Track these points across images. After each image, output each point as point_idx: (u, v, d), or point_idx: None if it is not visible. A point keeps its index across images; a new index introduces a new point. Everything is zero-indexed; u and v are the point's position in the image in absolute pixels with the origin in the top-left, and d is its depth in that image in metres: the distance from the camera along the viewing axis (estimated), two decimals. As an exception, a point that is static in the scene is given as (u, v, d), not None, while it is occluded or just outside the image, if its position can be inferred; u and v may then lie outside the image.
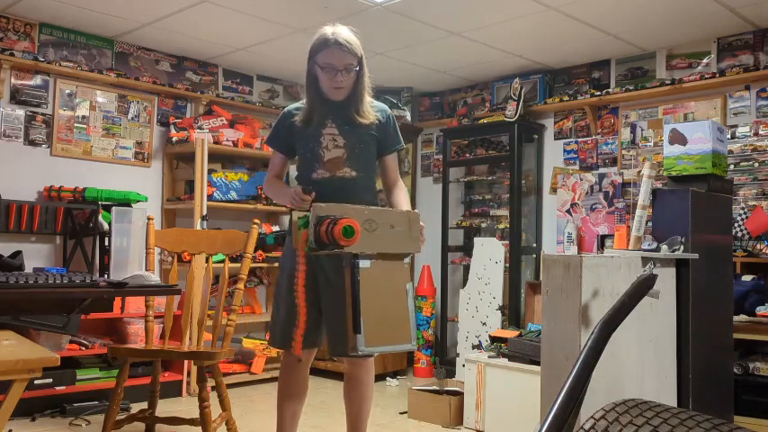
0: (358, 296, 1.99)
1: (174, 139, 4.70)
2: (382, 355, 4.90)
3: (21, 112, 4.22)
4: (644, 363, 2.47)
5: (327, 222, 1.95)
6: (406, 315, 2.12)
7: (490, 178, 5.37)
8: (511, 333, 3.91)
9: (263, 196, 4.87)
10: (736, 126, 4.22)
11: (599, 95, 4.77)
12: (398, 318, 2.10)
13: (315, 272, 2.42)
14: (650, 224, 2.79)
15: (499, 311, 4.53)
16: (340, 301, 2.30)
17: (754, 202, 4.05)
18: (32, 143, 4.26)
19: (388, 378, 4.98)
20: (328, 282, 2.42)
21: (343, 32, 2.44)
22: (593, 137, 4.89)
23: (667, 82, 4.45)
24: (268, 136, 2.68)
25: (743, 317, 3.64)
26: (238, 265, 3.18)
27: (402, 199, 2.57)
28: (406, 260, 2.17)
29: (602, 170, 4.76)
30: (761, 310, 3.67)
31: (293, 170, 2.74)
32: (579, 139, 4.98)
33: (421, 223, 2.23)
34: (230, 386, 4.11)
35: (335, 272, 2.37)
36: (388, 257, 2.09)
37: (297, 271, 2.24)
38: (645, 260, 2.48)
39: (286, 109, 2.63)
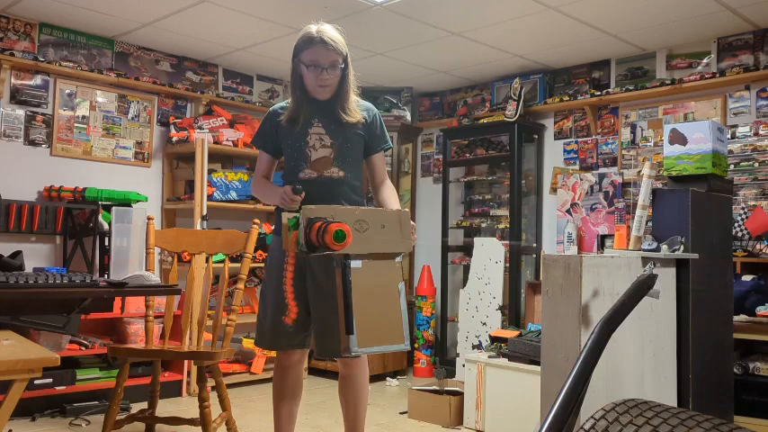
0: (350, 297, 1.98)
1: (174, 139, 4.70)
2: (382, 354, 4.90)
3: (21, 112, 4.22)
4: (644, 362, 2.47)
5: (318, 225, 1.93)
6: (398, 315, 2.11)
7: (490, 178, 5.37)
8: (511, 333, 3.91)
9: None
10: (736, 126, 4.22)
11: (599, 95, 4.77)
12: (391, 318, 2.10)
13: (303, 272, 2.41)
14: (650, 224, 2.79)
15: (499, 311, 4.53)
16: (328, 303, 2.30)
17: (754, 202, 4.05)
18: (32, 143, 4.26)
19: (388, 378, 4.98)
20: (316, 283, 2.41)
21: (328, 30, 2.42)
22: (593, 137, 4.89)
23: (667, 82, 4.45)
24: (254, 136, 2.67)
25: (743, 317, 3.64)
26: (238, 265, 3.18)
27: (391, 198, 2.56)
28: (398, 259, 2.17)
29: (602, 170, 4.76)
30: (761, 310, 3.67)
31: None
32: (579, 139, 4.98)
33: (411, 222, 2.23)
34: (230, 386, 4.11)
35: (324, 273, 2.37)
36: (379, 257, 2.09)
37: (286, 272, 2.23)
38: (645, 260, 2.48)
39: (271, 108, 2.63)
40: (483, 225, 5.31)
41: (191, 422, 2.88)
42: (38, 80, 4.29)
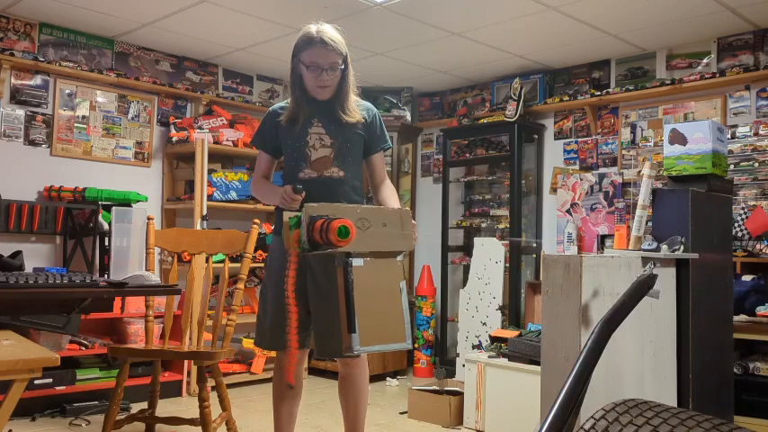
0: (352, 295, 1.98)
1: (174, 138, 4.70)
2: (382, 354, 4.90)
3: (21, 112, 4.22)
4: (644, 362, 2.47)
5: (321, 222, 1.93)
6: (400, 313, 2.11)
7: (490, 178, 5.38)
8: (511, 333, 3.91)
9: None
10: (736, 126, 4.22)
11: (599, 95, 4.77)
12: (393, 316, 2.10)
13: (303, 273, 2.42)
14: (650, 224, 2.79)
15: (499, 311, 4.53)
16: (328, 303, 2.30)
17: (754, 202, 4.05)
18: (32, 143, 4.26)
19: (388, 378, 4.98)
20: (316, 283, 2.42)
21: (328, 30, 2.42)
22: (593, 137, 4.90)
23: (667, 82, 4.45)
24: (253, 136, 2.67)
25: (743, 317, 3.64)
26: (238, 265, 3.18)
27: (391, 198, 2.56)
28: (399, 258, 2.17)
29: (602, 170, 4.76)
30: (761, 310, 3.67)
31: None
32: (579, 139, 4.98)
33: (413, 221, 2.23)
34: (230, 386, 4.11)
35: (323, 273, 2.37)
36: (381, 256, 2.09)
37: (288, 271, 2.23)
38: (645, 260, 2.48)
39: (271, 108, 2.63)
40: (483, 225, 5.32)
41: (191, 422, 2.88)
42: (38, 80, 4.29)
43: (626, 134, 4.72)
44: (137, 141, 4.74)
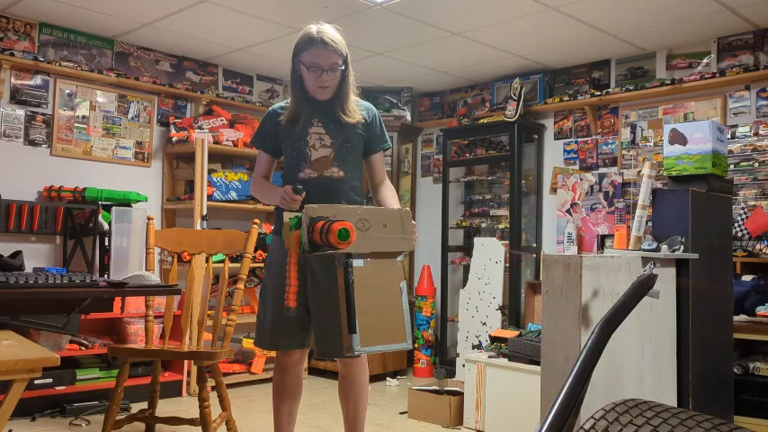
0: (352, 296, 1.98)
1: (174, 138, 4.70)
2: (382, 354, 4.90)
3: (21, 112, 4.22)
4: (644, 363, 2.47)
5: (321, 224, 1.93)
6: (400, 314, 2.11)
7: (490, 178, 5.38)
8: (511, 333, 3.91)
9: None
10: (736, 126, 4.22)
11: (599, 95, 4.77)
12: (393, 316, 2.10)
13: (303, 272, 2.42)
14: (650, 224, 2.79)
15: (499, 311, 4.53)
16: (328, 303, 2.30)
17: (754, 202, 4.05)
18: (32, 143, 4.26)
19: (388, 378, 4.98)
20: (316, 283, 2.42)
21: (329, 31, 2.42)
22: (593, 137, 4.90)
23: (667, 82, 4.45)
24: (253, 136, 2.67)
25: (743, 317, 3.64)
26: (238, 265, 3.18)
27: (391, 198, 2.56)
28: (400, 258, 2.17)
29: (602, 170, 4.76)
30: (761, 310, 3.67)
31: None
32: (579, 139, 4.98)
33: (413, 221, 2.23)
34: (230, 386, 4.11)
35: (323, 273, 2.37)
36: (381, 256, 2.09)
37: (288, 272, 2.22)
38: (645, 260, 2.48)
39: (271, 108, 2.63)
40: (483, 225, 5.32)
41: (191, 422, 2.88)
42: (38, 80, 4.29)
43: (626, 134, 4.72)
44: (137, 141, 4.74)
